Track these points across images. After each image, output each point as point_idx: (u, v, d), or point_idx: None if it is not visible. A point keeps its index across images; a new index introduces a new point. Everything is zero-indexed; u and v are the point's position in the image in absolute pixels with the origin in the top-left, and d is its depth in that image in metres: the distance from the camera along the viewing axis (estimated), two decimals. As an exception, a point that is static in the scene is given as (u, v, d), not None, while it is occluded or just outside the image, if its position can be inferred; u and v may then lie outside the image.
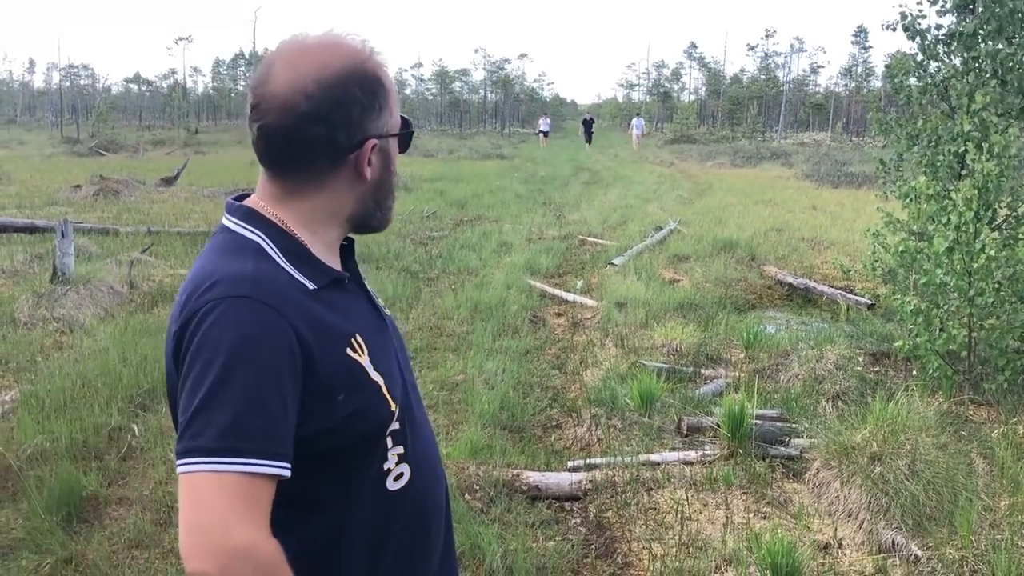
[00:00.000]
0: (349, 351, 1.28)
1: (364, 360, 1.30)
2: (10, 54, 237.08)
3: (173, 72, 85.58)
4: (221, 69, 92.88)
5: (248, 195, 1.39)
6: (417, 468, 1.39)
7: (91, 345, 6.33)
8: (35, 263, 9.30)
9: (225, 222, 1.35)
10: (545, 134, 41.95)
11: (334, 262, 1.37)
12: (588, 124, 44.00)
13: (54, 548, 3.58)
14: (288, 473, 1.17)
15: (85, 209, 14.44)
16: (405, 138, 1.41)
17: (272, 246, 1.30)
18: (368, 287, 1.45)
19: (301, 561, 1.23)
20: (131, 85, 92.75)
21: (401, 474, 1.36)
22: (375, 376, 1.30)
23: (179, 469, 1.14)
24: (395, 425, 1.35)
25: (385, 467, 1.34)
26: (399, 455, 1.36)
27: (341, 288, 1.35)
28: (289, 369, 1.19)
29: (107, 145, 32.51)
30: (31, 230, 11.40)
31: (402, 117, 1.39)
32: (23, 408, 5.00)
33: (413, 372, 1.51)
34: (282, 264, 1.28)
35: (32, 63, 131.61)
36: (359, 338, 1.31)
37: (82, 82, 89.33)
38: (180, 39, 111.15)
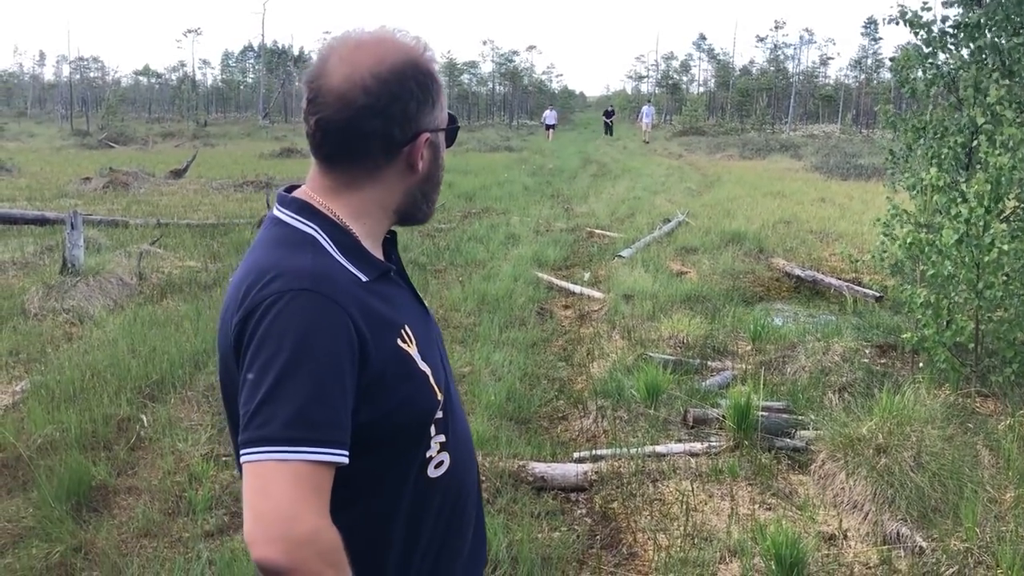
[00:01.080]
0: (399, 342, 1.32)
1: (413, 351, 1.34)
2: (21, 47, 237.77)
3: (182, 64, 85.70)
4: (230, 61, 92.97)
5: (297, 186, 1.41)
6: (456, 454, 1.43)
7: (100, 336, 6.37)
8: (45, 255, 9.35)
9: (277, 214, 1.37)
10: (551, 127, 41.32)
11: (379, 253, 1.41)
12: (609, 115, 43.92)
13: (64, 537, 3.62)
14: (347, 460, 1.21)
15: (95, 201, 14.51)
16: (452, 132, 1.44)
17: (327, 239, 1.33)
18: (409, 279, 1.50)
19: (346, 546, 1.25)
20: (140, 78, 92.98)
21: (442, 462, 1.40)
22: (423, 366, 1.34)
23: (245, 458, 1.17)
24: (439, 414, 1.39)
25: (427, 455, 1.38)
26: (441, 443, 1.40)
27: (389, 280, 1.39)
28: (349, 360, 1.22)
29: (116, 137, 32.63)
30: (41, 222, 11.45)
31: (449, 113, 1.42)
32: (33, 398, 5.04)
33: (448, 360, 1.54)
34: (337, 257, 1.32)
35: (42, 56, 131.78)
36: (408, 329, 1.35)
37: (92, 75, 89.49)
38: (189, 31, 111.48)
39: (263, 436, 1.16)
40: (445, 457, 1.40)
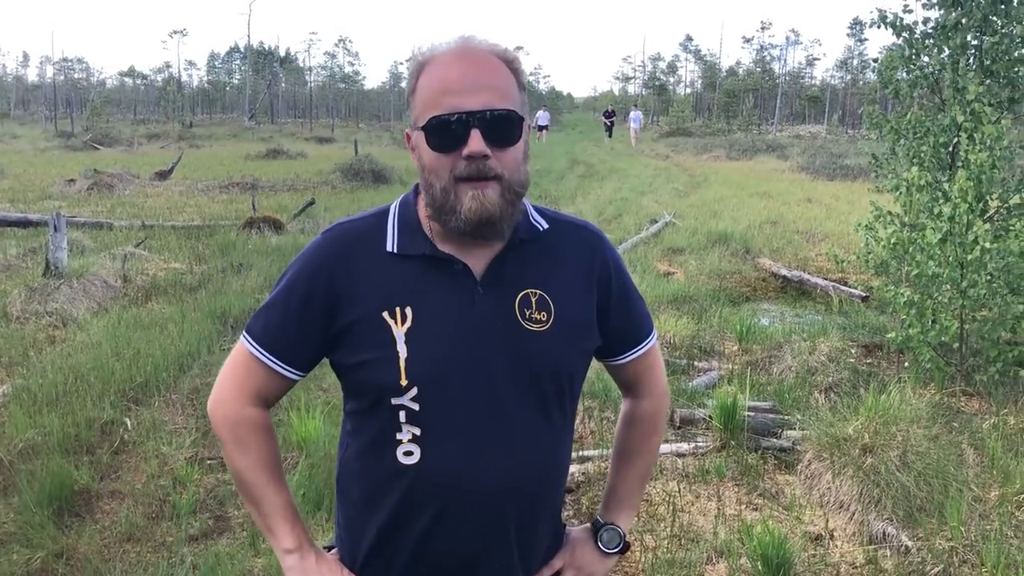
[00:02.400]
0: (385, 313, 1.42)
1: (398, 329, 1.41)
2: (4, 47, 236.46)
3: (168, 66, 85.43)
4: (216, 62, 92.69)
5: None
6: (436, 461, 1.42)
7: (84, 339, 6.32)
8: (28, 257, 9.27)
9: None
10: (543, 128, 40.46)
11: (453, 248, 1.44)
12: (609, 115, 43.27)
13: (45, 542, 3.58)
14: (286, 373, 1.50)
15: (79, 203, 14.42)
16: (432, 132, 1.38)
17: (395, 211, 1.51)
18: (501, 291, 1.46)
19: (344, 461, 1.56)
20: (125, 79, 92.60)
21: (411, 452, 1.43)
22: (400, 347, 1.40)
23: None
24: (411, 404, 1.41)
25: (398, 436, 1.43)
26: (414, 435, 1.42)
27: (433, 265, 1.44)
28: (308, 294, 1.45)
29: (101, 139, 32.40)
30: (24, 224, 11.37)
31: (437, 116, 1.36)
32: (15, 402, 4.99)
33: (525, 388, 1.45)
34: (389, 225, 1.49)
35: (26, 57, 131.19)
36: (408, 310, 1.42)
37: (76, 76, 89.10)
38: (175, 32, 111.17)
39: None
40: (415, 450, 1.42)
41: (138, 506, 3.98)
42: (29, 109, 78.78)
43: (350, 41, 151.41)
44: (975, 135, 4.90)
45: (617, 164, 25.39)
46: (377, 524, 1.49)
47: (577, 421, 5.07)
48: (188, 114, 59.96)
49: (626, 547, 1.69)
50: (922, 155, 5.48)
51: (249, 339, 1.50)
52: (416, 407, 1.41)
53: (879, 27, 5.98)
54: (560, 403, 1.51)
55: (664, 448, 4.66)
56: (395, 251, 1.45)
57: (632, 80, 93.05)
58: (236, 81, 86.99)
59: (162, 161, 21.43)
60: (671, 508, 4.04)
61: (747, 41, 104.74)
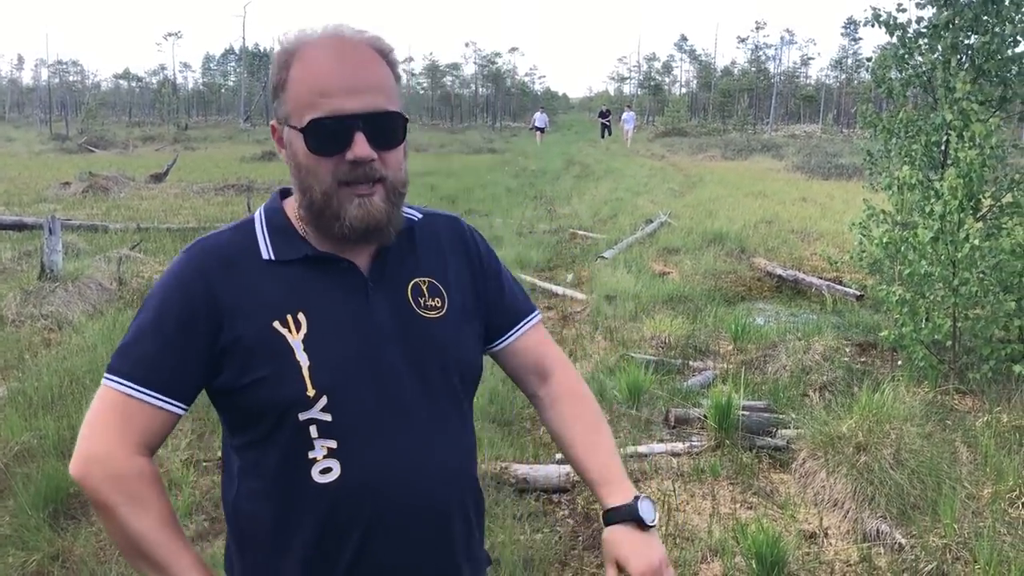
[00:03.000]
0: (276, 323, 1.33)
1: (293, 337, 1.33)
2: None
3: (163, 68, 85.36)
4: (211, 64, 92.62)
5: None
6: (358, 473, 1.33)
7: (79, 342, 6.32)
8: (23, 260, 9.26)
9: None
10: (540, 130, 39.50)
11: (332, 247, 1.38)
12: (605, 115, 42.60)
13: (41, 545, 3.58)
14: (170, 408, 1.33)
15: (74, 206, 14.40)
16: (311, 136, 1.30)
17: (263, 218, 1.43)
18: (390, 285, 1.42)
19: (236, 507, 1.41)
20: (120, 81, 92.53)
21: (329, 469, 1.33)
22: (300, 355, 1.32)
23: None
24: (321, 416, 1.31)
25: (311, 455, 1.32)
26: (330, 448, 1.32)
27: (317, 267, 1.37)
28: (183, 317, 1.32)
29: (96, 142, 32.37)
30: (19, 227, 11.34)
31: (315, 119, 1.29)
32: (10, 405, 5.00)
33: (433, 380, 1.41)
34: (258, 234, 1.40)
35: (20, 59, 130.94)
36: (302, 316, 1.34)
37: (71, 78, 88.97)
38: (169, 35, 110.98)
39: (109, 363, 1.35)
40: (334, 465, 1.32)
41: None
42: (24, 112, 78.69)
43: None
44: (964, 133, 4.92)
45: (613, 164, 25.40)
46: (298, 559, 1.36)
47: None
48: (183, 116, 60.00)
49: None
50: (913, 154, 5.51)
51: (117, 379, 1.31)
52: (328, 417, 1.31)
53: (873, 26, 6.01)
54: (466, 391, 1.49)
55: (659, 447, 4.67)
56: (273, 258, 1.37)
57: (627, 80, 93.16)
58: (231, 83, 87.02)
59: (157, 163, 21.40)
60: (666, 507, 4.05)
61: (742, 41, 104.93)
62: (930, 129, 5.65)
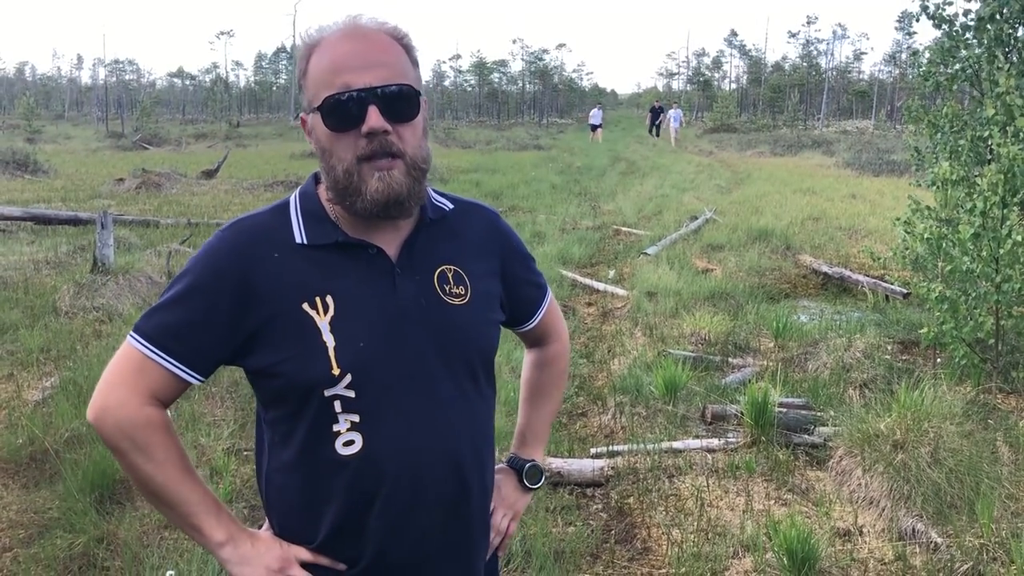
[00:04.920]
0: (306, 305, 1.39)
1: (321, 319, 1.38)
2: (59, 51, 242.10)
3: (215, 66, 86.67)
4: (263, 63, 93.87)
5: None
6: (379, 445, 1.40)
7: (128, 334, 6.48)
8: (77, 254, 9.54)
9: None
10: (597, 127, 37.96)
11: (363, 232, 1.43)
12: (656, 112, 40.08)
13: (87, 528, 3.70)
14: (186, 376, 1.39)
15: (127, 202, 14.74)
16: (328, 115, 1.36)
17: (296, 202, 1.47)
18: (417, 271, 1.47)
19: (269, 478, 1.49)
20: (174, 80, 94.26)
21: (352, 441, 1.39)
22: (326, 337, 1.38)
23: None
24: (345, 392, 1.38)
25: (335, 428, 1.39)
26: (353, 422, 1.39)
27: (347, 252, 1.42)
28: (215, 295, 1.38)
29: (150, 139, 33.07)
30: (75, 222, 11.67)
31: (330, 97, 1.35)
32: (62, 394, 5.16)
33: (454, 362, 1.47)
34: (293, 217, 1.45)
35: (80, 59, 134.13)
36: (329, 299, 1.39)
37: (127, 77, 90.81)
38: (222, 33, 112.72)
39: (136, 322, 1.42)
40: (357, 438, 1.39)
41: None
42: (82, 110, 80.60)
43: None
44: (1008, 128, 4.83)
45: (659, 161, 25.26)
46: (327, 525, 1.44)
47: (608, 416, 5.14)
48: (235, 114, 60.93)
49: (543, 480, 1.82)
50: (959, 149, 5.42)
51: (140, 339, 1.39)
52: (352, 394, 1.38)
53: (917, 20, 5.92)
54: (487, 374, 1.55)
55: (694, 443, 4.67)
56: (305, 242, 1.42)
57: (676, 76, 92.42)
58: (282, 81, 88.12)
59: (209, 160, 21.80)
60: (699, 503, 4.05)
61: (793, 35, 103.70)
62: (977, 124, 5.55)
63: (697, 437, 4.81)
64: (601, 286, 8.70)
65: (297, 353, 1.37)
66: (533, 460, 1.81)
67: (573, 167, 23.29)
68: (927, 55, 6.18)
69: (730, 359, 6.28)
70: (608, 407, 5.31)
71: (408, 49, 1.42)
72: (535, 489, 1.80)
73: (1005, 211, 4.74)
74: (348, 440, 1.39)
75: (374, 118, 1.33)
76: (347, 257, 1.42)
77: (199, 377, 1.41)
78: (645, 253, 10.14)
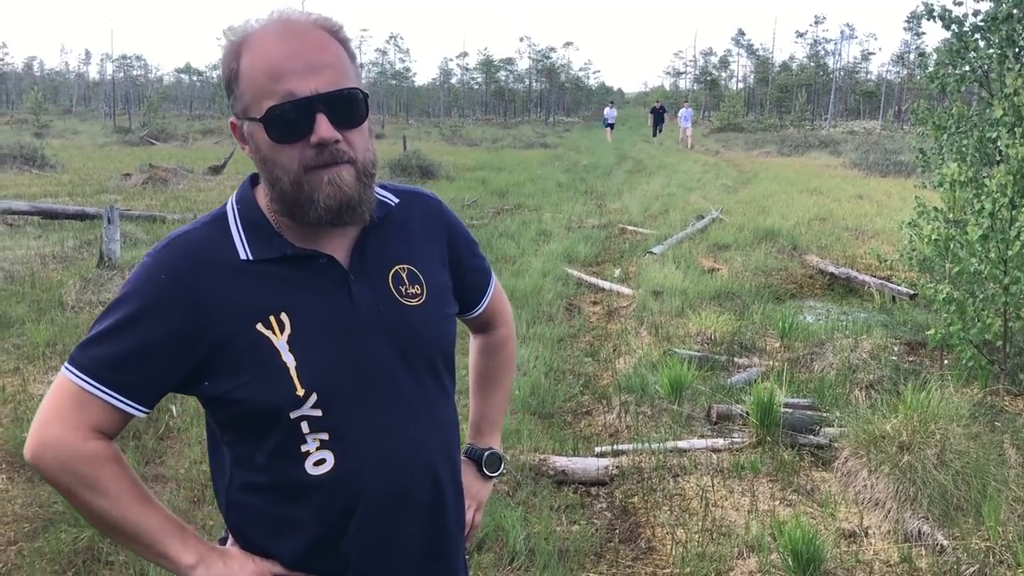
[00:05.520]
0: (260, 326, 1.31)
1: (278, 339, 1.31)
2: (67, 46, 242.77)
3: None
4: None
5: None
6: (352, 461, 1.35)
7: (134, 329, 6.48)
8: (84, 249, 9.56)
9: None
10: (611, 126, 37.45)
11: (310, 241, 1.35)
12: (659, 113, 38.47)
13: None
14: (128, 409, 1.30)
15: (134, 197, 14.76)
16: (272, 126, 1.27)
17: (235, 212, 1.38)
18: (367, 276, 1.41)
19: (230, 498, 1.42)
20: (182, 75, 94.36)
21: (323, 460, 1.34)
22: (286, 357, 1.30)
23: None
24: (312, 412, 1.32)
25: (303, 449, 1.33)
26: (322, 441, 1.33)
27: (296, 264, 1.34)
28: (154, 320, 1.28)
29: (157, 134, 33.13)
30: (81, 217, 11.69)
31: (273, 106, 1.25)
32: (67, 388, 5.15)
33: (417, 365, 1.43)
34: (233, 231, 1.35)
35: (88, 55, 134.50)
36: (284, 316, 1.32)
37: (135, 73, 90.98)
38: (229, 29, 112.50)
39: (71, 353, 1.32)
40: (328, 456, 1.34)
41: (181, 490, 4.09)
42: (90, 105, 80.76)
43: (401, 38, 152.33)
44: (1016, 129, 4.80)
45: (666, 160, 25.23)
46: (298, 547, 1.39)
47: (613, 415, 5.13)
48: (242, 110, 60.78)
49: (504, 468, 1.80)
50: (964, 150, 5.39)
51: (76, 371, 1.29)
52: (319, 412, 1.32)
53: (926, 19, 5.89)
54: (449, 372, 1.51)
55: (699, 443, 4.66)
56: (250, 258, 1.33)
57: (683, 75, 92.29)
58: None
59: (216, 156, 21.81)
60: (704, 503, 4.04)
61: (800, 35, 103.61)
62: (985, 125, 5.52)
63: (702, 437, 4.80)
64: (607, 285, 8.69)
65: (255, 377, 1.30)
66: (491, 448, 1.79)
67: (579, 165, 23.28)
68: (935, 57, 6.14)
69: (736, 359, 6.27)
70: (613, 406, 5.31)
71: (344, 43, 1.33)
72: (495, 477, 1.78)
73: (1014, 212, 4.71)
74: (319, 459, 1.34)
75: (324, 128, 1.25)
76: (297, 269, 1.34)
77: (143, 409, 1.32)
78: (651, 252, 10.12)
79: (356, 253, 1.39)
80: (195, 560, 1.35)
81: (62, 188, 15.72)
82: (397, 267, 1.43)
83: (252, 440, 1.36)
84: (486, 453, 1.77)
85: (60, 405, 1.30)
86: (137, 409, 1.31)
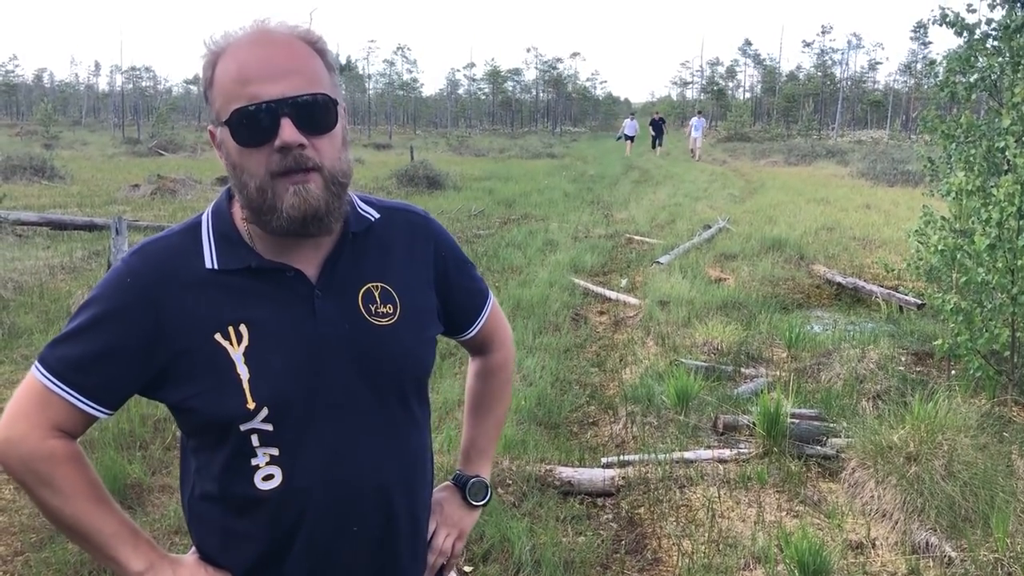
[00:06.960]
0: (218, 336, 1.31)
1: (234, 350, 1.31)
2: (77, 57, 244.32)
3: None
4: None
5: None
6: (300, 479, 1.34)
7: (142, 339, 6.50)
8: (92, 259, 9.60)
9: None
10: (631, 138, 36.30)
11: (280, 253, 1.34)
12: (658, 124, 36.74)
13: (98, 533, 3.70)
14: (90, 411, 1.31)
15: (142, 207, 14.82)
16: (237, 129, 1.26)
17: (208, 222, 1.38)
18: (339, 292, 1.38)
19: (190, 506, 1.44)
20: (190, 86, 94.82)
21: (271, 476, 1.34)
22: (240, 369, 1.30)
23: None
24: (263, 426, 1.31)
25: (253, 462, 1.33)
26: (272, 456, 1.33)
27: (262, 277, 1.33)
28: (119, 325, 1.29)
29: (166, 145, 33.23)
30: (90, 227, 11.75)
31: (237, 109, 1.25)
32: (75, 399, 5.17)
33: (383, 388, 1.40)
34: (204, 239, 1.36)
35: (97, 66, 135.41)
36: (243, 328, 1.31)
37: (144, 84, 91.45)
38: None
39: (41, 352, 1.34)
40: (276, 472, 1.33)
41: (187, 500, 4.09)
42: (99, 116, 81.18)
43: (408, 49, 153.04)
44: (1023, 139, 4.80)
45: (673, 170, 25.25)
46: (247, 560, 1.40)
47: (619, 426, 5.13)
48: (250, 121, 60.98)
49: (490, 497, 1.76)
50: (971, 159, 5.38)
51: (43, 371, 1.30)
52: (269, 427, 1.31)
53: (940, 25, 5.88)
54: (418, 395, 1.47)
55: (706, 454, 4.64)
56: (216, 267, 1.33)
57: (690, 85, 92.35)
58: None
59: (223, 167, 21.84)
60: (710, 514, 4.03)
61: (807, 45, 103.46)
62: (994, 135, 5.51)
63: (709, 447, 4.79)
64: (613, 294, 8.68)
65: (210, 387, 1.30)
66: (478, 476, 1.74)
67: (586, 175, 23.30)
68: (944, 64, 6.14)
69: (742, 369, 6.26)
70: (619, 416, 5.30)
71: (323, 53, 1.31)
72: (481, 506, 1.73)
73: (1022, 222, 4.70)
74: (267, 475, 1.33)
75: (287, 131, 1.23)
76: (262, 282, 1.33)
77: (105, 411, 1.33)
78: (658, 262, 10.12)
79: (327, 268, 1.37)
80: (144, 567, 1.35)
81: (71, 199, 15.80)
82: (369, 285, 1.40)
83: (208, 450, 1.37)
84: (472, 480, 1.72)
85: (26, 403, 1.32)
86: (98, 411, 1.32)
